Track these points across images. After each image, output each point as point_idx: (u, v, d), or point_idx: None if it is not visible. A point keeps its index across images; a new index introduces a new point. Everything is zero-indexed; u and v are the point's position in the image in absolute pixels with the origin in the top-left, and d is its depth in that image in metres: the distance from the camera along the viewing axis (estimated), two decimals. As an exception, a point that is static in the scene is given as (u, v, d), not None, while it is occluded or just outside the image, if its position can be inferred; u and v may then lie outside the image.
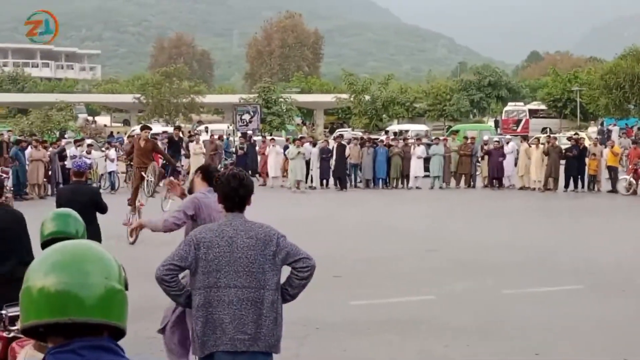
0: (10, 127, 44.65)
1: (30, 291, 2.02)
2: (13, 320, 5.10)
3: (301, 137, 31.99)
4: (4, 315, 5.18)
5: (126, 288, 2.13)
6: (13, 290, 7.56)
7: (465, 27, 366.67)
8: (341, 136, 33.96)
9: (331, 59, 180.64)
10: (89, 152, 26.66)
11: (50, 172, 24.97)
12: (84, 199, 9.01)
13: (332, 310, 9.83)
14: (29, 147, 25.08)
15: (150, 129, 19.46)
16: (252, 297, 4.64)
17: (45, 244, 4.87)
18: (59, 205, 8.58)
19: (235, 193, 4.89)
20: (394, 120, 59.64)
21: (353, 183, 28.67)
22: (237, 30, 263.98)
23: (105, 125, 63.23)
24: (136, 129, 40.21)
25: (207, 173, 7.12)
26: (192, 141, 30.25)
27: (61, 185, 22.09)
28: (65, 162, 25.63)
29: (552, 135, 32.55)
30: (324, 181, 28.33)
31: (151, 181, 15.87)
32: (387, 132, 41.68)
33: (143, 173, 15.99)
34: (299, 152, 26.93)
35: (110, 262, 2.09)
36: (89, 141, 31.60)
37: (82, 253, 2.08)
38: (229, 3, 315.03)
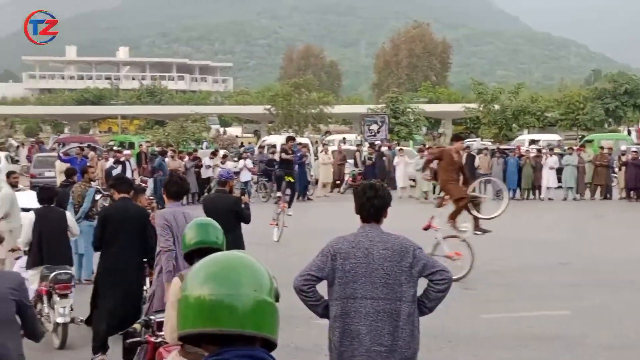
0: (148, 139, 46.58)
1: (186, 300, 2.10)
2: (160, 326, 5.34)
3: (428, 147, 31.75)
4: (152, 321, 5.43)
5: (277, 299, 2.18)
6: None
7: (600, 33, 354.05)
8: (468, 147, 33.48)
9: (459, 68, 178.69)
10: (223, 163, 27.40)
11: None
12: (226, 207, 9.19)
13: (464, 323, 9.72)
14: (166, 158, 26.08)
15: (295, 139, 19.82)
16: (389, 309, 4.65)
17: (188, 254, 5.04)
18: (205, 213, 8.88)
19: (370, 204, 4.91)
20: (524, 130, 58.30)
21: (482, 193, 28.18)
22: (365, 40, 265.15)
23: (236, 136, 64.81)
24: (267, 139, 41.03)
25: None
26: (321, 151, 30.65)
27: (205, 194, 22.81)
28: (201, 172, 26.58)
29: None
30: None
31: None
32: (534, 142, 40.47)
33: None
34: (427, 163, 26.81)
35: (262, 274, 2.13)
36: (222, 152, 32.46)
37: (235, 265, 2.13)
38: (357, 14, 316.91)
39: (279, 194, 17.80)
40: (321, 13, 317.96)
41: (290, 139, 18.70)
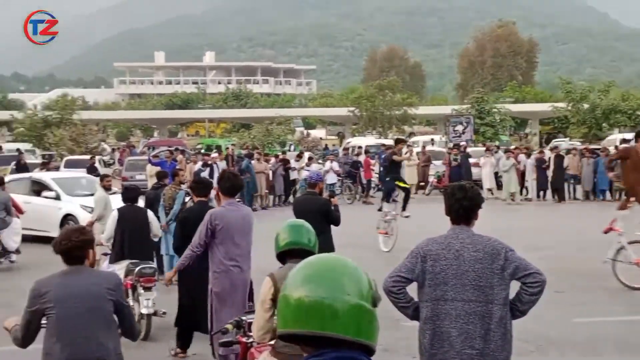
0: (234, 141, 47.31)
1: (286, 300, 2.14)
2: (252, 326, 5.41)
3: (515, 148, 31.25)
4: (244, 322, 5.51)
5: (375, 304, 2.17)
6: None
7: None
8: (557, 147, 32.78)
9: (546, 67, 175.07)
10: (308, 165, 27.57)
11: (273, 184, 26.13)
12: (316, 209, 9.24)
13: (555, 327, 9.51)
14: (253, 160, 26.41)
15: (406, 141, 19.18)
16: (480, 312, 4.60)
17: (280, 255, 5.11)
18: (295, 214, 8.99)
19: (459, 205, 4.87)
20: (615, 129, 56.67)
21: (571, 195, 27.60)
22: (449, 41, 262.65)
23: (320, 138, 65.09)
24: (351, 141, 41.09)
25: None
26: (406, 153, 30.51)
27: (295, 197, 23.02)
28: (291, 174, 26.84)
29: None
30: (541, 193, 27.50)
31: None
32: (626, 142, 39.24)
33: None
34: (512, 164, 26.40)
35: (362, 279, 2.15)
36: (308, 154, 32.68)
37: (335, 268, 2.15)
38: (440, 14, 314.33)
39: (387, 207, 16.67)
40: (405, 14, 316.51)
41: (400, 141, 17.67)
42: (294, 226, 5.18)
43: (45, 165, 25.16)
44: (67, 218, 17.33)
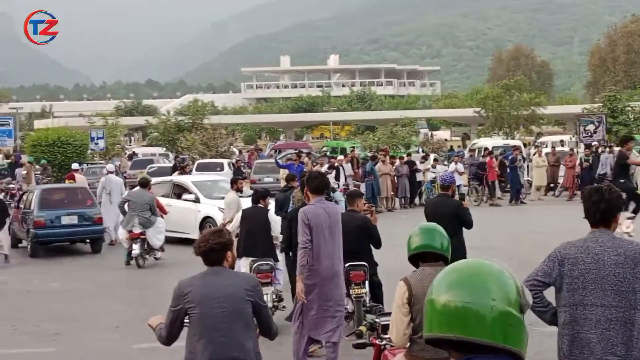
0: (358, 144, 47.53)
1: (432, 304, 2.15)
2: (385, 328, 5.43)
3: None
4: (377, 324, 5.53)
5: (522, 310, 2.14)
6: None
7: None
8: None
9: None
10: (434, 167, 27.35)
11: (397, 186, 26.06)
12: (448, 212, 9.11)
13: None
14: (378, 162, 26.43)
15: (633, 138, 18.16)
16: (622, 318, 4.45)
17: (412, 258, 5.09)
18: (427, 217, 8.96)
19: (596, 208, 4.72)
20: None
21: None
22: (578, 38, 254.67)
23: (445, 140, 64.49)
24: (477, 142, 40.44)
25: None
26: (534, 154, 29.78)
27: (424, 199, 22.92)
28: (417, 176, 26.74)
29: None
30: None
31: None
32: None
33: None
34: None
35: (509, 285, 2.13)
36: (433, 155, 32.41)
37: (480, 273, 2.14)
38: (570, 11, 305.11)
39: (628, 214, 15.16)
40: (531, 12, 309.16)
41: (628, 139, 16.37)
42: (427, 230, 5.15)
43: (183, 169, 25.94)
44: (206, 220, 17.76)
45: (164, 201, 17.79)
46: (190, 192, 18.79)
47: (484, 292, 2.08)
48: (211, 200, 18.32)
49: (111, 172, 21.19)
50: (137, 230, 15.46)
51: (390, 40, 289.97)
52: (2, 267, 16.20)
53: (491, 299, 2.07)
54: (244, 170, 33.13)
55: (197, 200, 18.37)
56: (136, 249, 15.35)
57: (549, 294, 4.80)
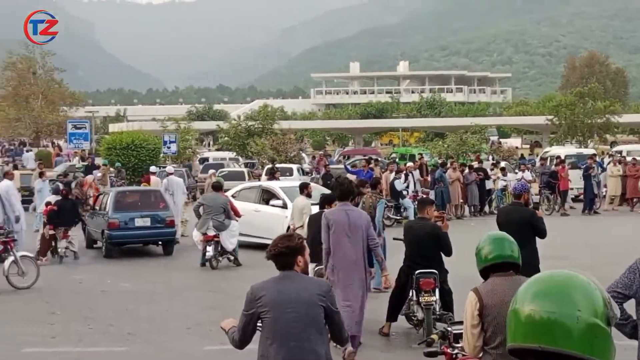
0: (427, 151, 47.17)
1: (516, 314, 2.12)
2: (457, 337, 5.36)
3: None
4: (449, 333, 5.47)
5: (609, 322, 2.10)
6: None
7: None
8: None
9: None
10: (504, 175, 26.98)
11: (467, 194, 25.77)
12: (521, 220, 9.05)
13: None
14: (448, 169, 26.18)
15: None
16: None
17: (484, 270, 4.95)
18: (499, 225, 8.86)
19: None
20: None
21: None
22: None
23: (516, 148, 63.47)
24: (550, 150, 39.69)
25: None
26: (609, 163, 29.07)
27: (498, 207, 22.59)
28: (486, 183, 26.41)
29: None
30: None
31: None
32: None
33: None
34: None
35: (593, 296, 2.09)
36: (503, 163, 31.95)
37: (565, 284, 2.11)
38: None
39: None
40: (605, 19, 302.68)
41: None
42: (497, 239, 5.03)
43: (273, 174, 25.88)
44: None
45: (252, 207, 17.91)
46: (278, 198, 18.50)
47: (570, 303, 2.05)
48: None
49: (171, 174, 21.63)
50: (211, 232, 15.78)
51: (460, 47, 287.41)
52: (78, 266, 16.63)
53: (577, 310, 2.04)
54: (302, 175, 33.23)
55: (284, 206, 17.96)
56: (210, 251, 15.67)
57: (629, 306, 4.67)
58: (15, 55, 59.67)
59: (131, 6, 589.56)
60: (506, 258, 4.87)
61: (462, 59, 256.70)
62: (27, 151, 51.70)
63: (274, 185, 20.01)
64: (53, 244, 17.08)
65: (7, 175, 19.55)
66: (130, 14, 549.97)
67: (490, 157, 44.01)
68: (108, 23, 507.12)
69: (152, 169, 25.89)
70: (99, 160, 36.19)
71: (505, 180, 26.37)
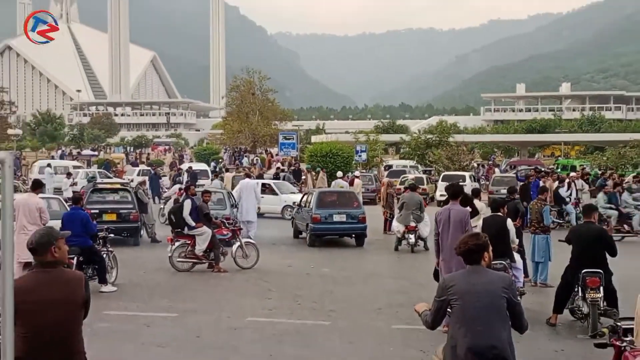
0: (588, 162, 44.85)
1: None
2: (627, 332, 5.08)
3: None
4: (619, 327, 5.19)
5: None
6: None
7: None
8: None
9: None
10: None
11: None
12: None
13: None
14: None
15: None
16: None
17: None
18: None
19: None
20: None
21: None
22: None
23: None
24: None
25: None
26: None
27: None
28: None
29: None
30: None
31: None
32: None
33: None
34: None
35: None
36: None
37: None
38: None
39: None
40: None
41: None
42: None
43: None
44: None
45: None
46: None
47: None
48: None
49: (249, 176, 21.83)
50: (412, 224, 17.27)
51: (620, 69, 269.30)
52: (288, 253, 17.23)
53: None
54: (473, 182, 32.44)
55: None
56: (412, 237, 17.16)
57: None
58: (239, 79, 62.78)
59: (330, 38, 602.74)
60: None
61: (621, 81, 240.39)
62: (246, 157, 54.57)
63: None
64: None
65: (248, 177, 21.25)
66: (329, 45, 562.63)
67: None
68: (311, 53, 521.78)
69: (356, 173, 27.87)
70: (302, 166, 37.39)
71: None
